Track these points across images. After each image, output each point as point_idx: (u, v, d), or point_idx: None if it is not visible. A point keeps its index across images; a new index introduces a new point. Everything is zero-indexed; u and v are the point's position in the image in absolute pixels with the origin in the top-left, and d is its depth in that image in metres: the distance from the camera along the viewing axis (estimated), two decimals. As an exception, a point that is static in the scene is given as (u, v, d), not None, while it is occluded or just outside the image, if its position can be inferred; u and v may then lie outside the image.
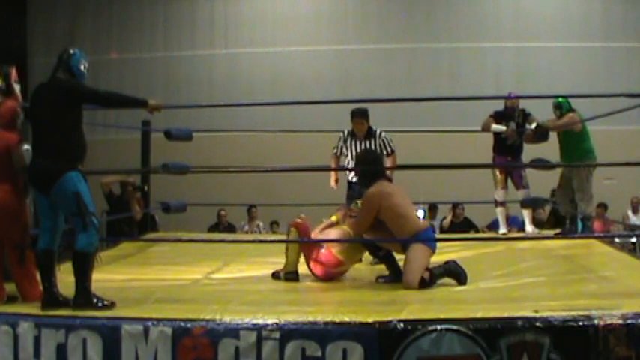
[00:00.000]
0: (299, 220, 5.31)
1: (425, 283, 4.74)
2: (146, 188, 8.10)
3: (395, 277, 5.00)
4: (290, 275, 5.21)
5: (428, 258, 4.88)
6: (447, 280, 4.82)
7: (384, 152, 6.30)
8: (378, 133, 6.34)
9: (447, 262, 4.94)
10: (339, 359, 3.55)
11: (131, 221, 7.99)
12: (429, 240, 4.93)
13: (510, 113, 7.43)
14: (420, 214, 10.74)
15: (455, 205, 10.50)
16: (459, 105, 11.49)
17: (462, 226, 10.33)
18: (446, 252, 5.65)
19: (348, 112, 6.38)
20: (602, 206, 10.26)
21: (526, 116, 7.46)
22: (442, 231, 10.23)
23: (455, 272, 4.86)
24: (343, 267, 5.21)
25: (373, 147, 6.21)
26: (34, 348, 3.76)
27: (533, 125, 7.19)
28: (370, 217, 4.93)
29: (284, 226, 11.24)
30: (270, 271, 5.32)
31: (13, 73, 4.41)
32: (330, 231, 5.30)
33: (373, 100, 11.45)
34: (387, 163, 6.26)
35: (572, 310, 3.70)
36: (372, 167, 5.19)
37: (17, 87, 4.41)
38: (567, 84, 11.84)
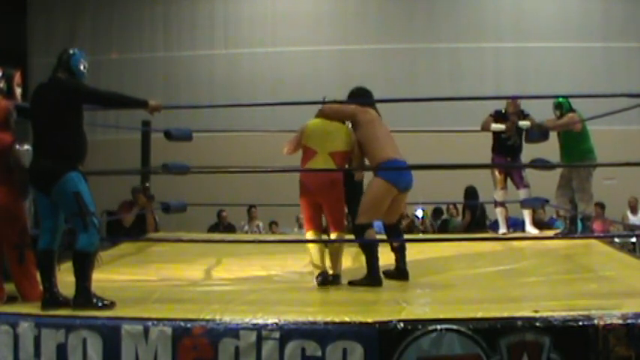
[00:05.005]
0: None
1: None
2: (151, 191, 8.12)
3: (399, 275, 4.99)
4: (321, 278, 4.87)
5: (385, 194, 4.82)
6: (446, 280, 4.80)
7: None
8: None
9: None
10: (339, 359, 3.55)
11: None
12: (391, 170, 4.84)
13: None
14: (419, 213, 10.77)
15: (454, 205, 10.48)
16: (459, 105, 11.47)
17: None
18: (445, 252, 5.64)
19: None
20: (599, 205, 10.23)
21: (525, 117, 7.45)
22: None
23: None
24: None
25: None
26: (34, 348, 3.76)
27: (528, 123, 7.20)
28: (342, 111, 5.17)
29: (283, 226, 11.29)
30: (270, 271, 5.30)
31: (17, 76, 4.43)
32: None
33: (373, 100, 11.48)
34: None
35: (572, 310, 3.69)
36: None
37: (19, 90, 4.44)
38: (567, 84, 11.82)
